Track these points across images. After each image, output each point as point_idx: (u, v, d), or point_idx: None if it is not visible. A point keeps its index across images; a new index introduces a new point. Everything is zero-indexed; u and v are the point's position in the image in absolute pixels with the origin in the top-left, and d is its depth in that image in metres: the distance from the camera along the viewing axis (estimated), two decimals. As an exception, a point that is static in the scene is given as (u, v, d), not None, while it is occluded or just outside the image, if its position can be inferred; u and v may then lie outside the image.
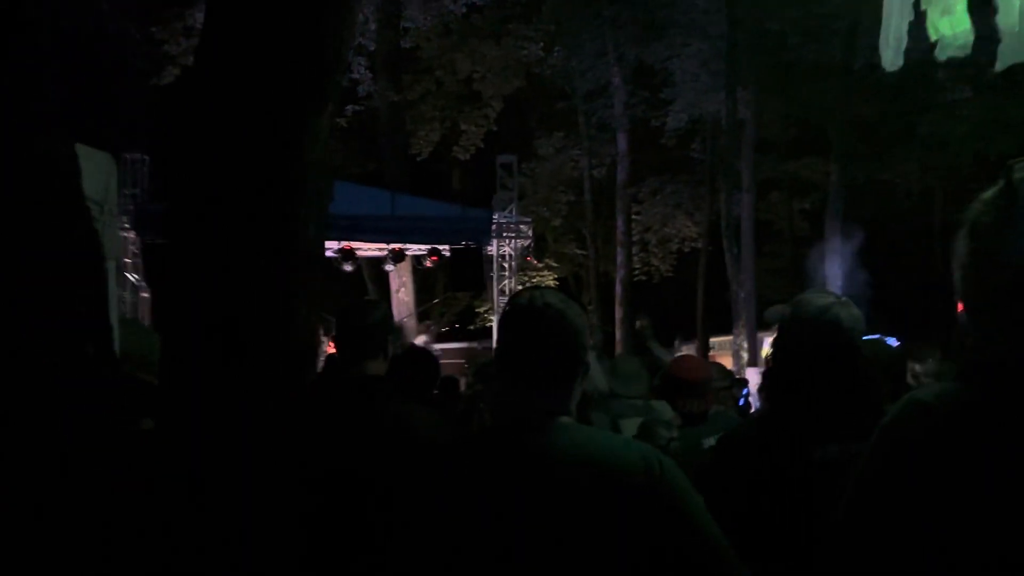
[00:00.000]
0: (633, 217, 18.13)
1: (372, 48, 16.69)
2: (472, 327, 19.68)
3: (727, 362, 12.45)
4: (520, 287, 19.16)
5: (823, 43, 13.75)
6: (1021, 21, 2.88)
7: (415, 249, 12.41)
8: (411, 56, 17.38)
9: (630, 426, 3.36)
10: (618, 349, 16.11)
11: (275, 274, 1.37)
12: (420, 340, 10.74)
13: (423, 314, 15.88)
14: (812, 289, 2.25)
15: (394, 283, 15.30)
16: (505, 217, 11.94)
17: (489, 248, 12.21)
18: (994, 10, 3.09)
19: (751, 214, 15.15)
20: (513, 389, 1.48)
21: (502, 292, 12.68)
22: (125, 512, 1.41)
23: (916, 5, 3.23)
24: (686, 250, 19.80)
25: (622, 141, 16.71)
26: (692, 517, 1.42)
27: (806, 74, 14.35)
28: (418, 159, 17.82)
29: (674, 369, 3.66)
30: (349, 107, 17.76)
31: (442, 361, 4.80)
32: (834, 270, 13.58)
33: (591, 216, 19.05)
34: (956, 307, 1.13)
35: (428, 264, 12.32)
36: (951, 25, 3.12)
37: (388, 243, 11.92)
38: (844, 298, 2.14)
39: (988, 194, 1.07)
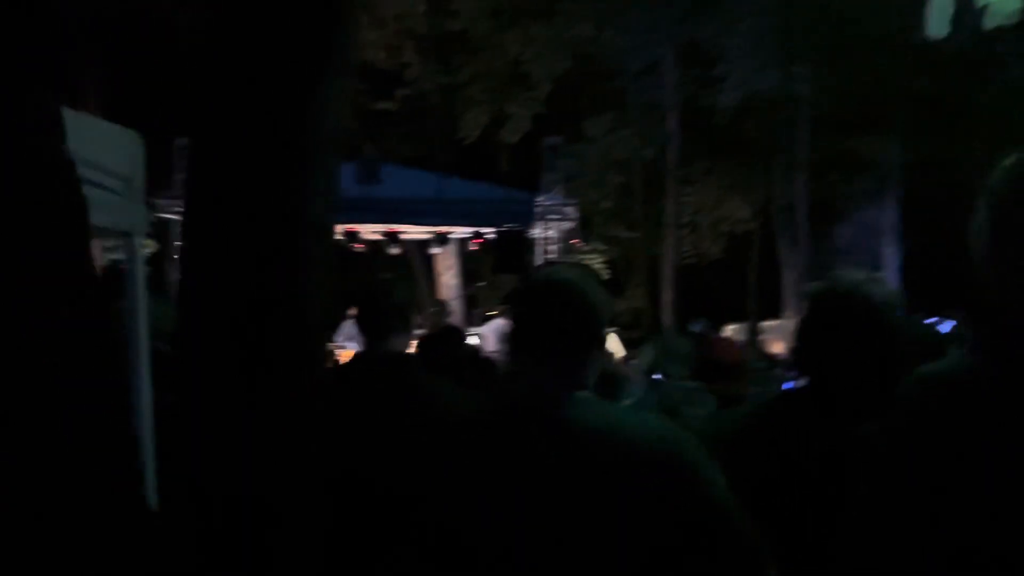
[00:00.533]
0: (683, 199, 17.85)
1: (421, 31, 16.74)
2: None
3: (778, 346, 12.23)
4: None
5: (881, 16, 13.25)
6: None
7: (460, 232, 12.46)
8: (460, 38, 17.36)
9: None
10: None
11: (281, 248, 1.38)
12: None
13: (470, 299, 15.95)
14: (847, 267, 2.19)
15: (440, 266, 15.40)
16: (549, 199, 11.89)
17: (533, 231, 12.19)
18: None
19: (806, 194, 14.77)
20: (529, 364, 1.48)
21: (548, 275, 12.59)
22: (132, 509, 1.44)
23: (964, -28, 3.11)
24: (738, 232, 19.42)
25: (672, 121, 16.44)
26: (711, 495, 1.40)
27: (864, 48, 13.87)
28: (466, 142, 17.83)
29: (708, 351, 3.62)
30: (398, 91, 17.87)
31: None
32: (892, 251, 13.18)
33: (640, 198, 18.83)
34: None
35: (472, 247, 12.36)
36: (1000, -8, 2.99)
37: (432, 226, 11.99)
38: (878, 275, 2.07)
39: (1008, 161, 1.03)
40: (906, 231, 14.01)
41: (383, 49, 16.91)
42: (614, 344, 15.64)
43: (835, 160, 16.57)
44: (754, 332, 17.10)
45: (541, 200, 11.98)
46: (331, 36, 1.39)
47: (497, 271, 17.86)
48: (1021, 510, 0.91)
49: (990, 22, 3.02)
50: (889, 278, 14.15)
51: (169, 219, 9.93)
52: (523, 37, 17.03)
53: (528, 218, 11.75)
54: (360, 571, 1.84)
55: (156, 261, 9.00)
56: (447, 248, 13.56)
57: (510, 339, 1.52)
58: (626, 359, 8.97)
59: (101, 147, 1.66)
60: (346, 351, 7.84)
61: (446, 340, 3.54)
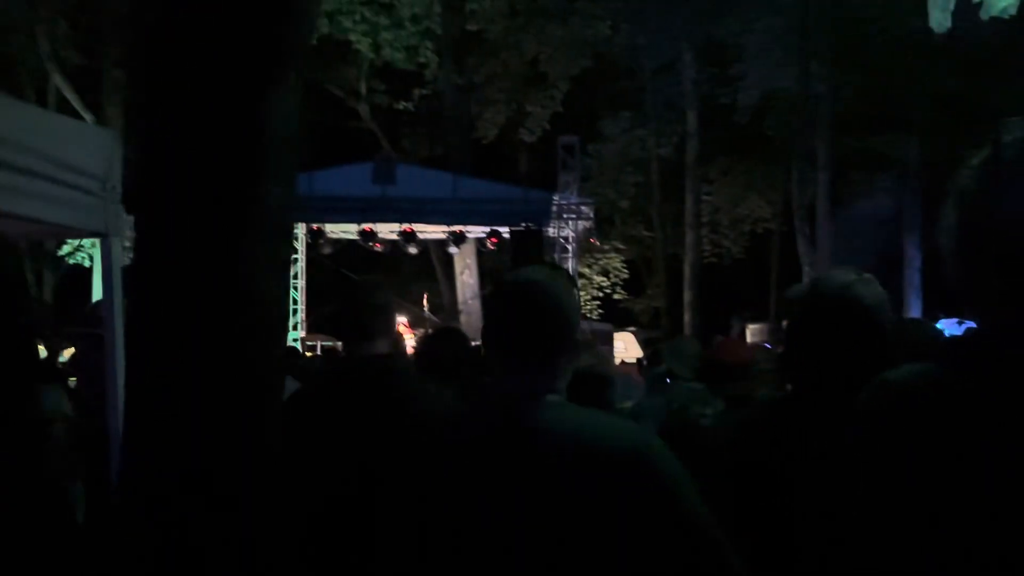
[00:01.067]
0: (703, 198, 17.73)
1: (438, 31, 16.78)
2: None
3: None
4: (585, 269, 19.13)
5: (900, 13, 13.06)
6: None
7: (477, 231, 12.49)
8: (477, 38, 17.38)
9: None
10: (686, 333, 15.85)
11: (236, 248, 1.36)
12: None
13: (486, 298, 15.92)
14: (834, 268, 2.14)
15: (459, 265, 15.43)
16: (565, 198, 11.86)
17: (550, 230, 12.16)
18: None
19: (827, 193, 14.60)
20: (499, 367, 1.45)
21: (564, 274, 12.59)
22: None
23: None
24: (759, 231, 19.26)
25: (691, 119, 16.34)
26: (681, 501, 1.36)
27: (884, 46, 13.68)
28: (483, 142, 17.85)
29: (714, 352, 3.57)
30: (416, 91, 17.94)
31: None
32: (912, 250, 12.99)
33: (659, 197, 18.73)
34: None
35: (489, 246, 12.37)
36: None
37: (449, 225, 12.03)
38: (868, 275, 2.02)
39: (976, 159, 1.00)
40: (927, 230, 13.79)
41: (400, 49, 16.98)
42: (630, 345, 15.59)
43: (855, 158, 16.38)
44: (775, 331, 16.92)
45: (558, 199, 11.96)
46: (282, 33, 1.38)
47: (515, 271, 17.83)
48: (968, 518, 0.88)
49: (985, 13, 2.96)
50: (910, 277, 13.99)
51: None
52: (540, 37, 17.01)
53: (545, 217, 11.74)
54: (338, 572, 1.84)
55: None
56: (464, 247, 13.58)
57: (483, 342, 1.52)
58: (642, 360, 8.92)
59: (75, 147, 1.66)
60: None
61: (446, 340, 3.52)
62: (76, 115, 12.11)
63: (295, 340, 12.85)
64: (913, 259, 12.65)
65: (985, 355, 0.95)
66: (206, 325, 1.38)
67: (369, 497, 1.86)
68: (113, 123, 12.32)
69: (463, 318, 14.30)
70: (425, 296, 13.73)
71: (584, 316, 17.57)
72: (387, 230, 12.22)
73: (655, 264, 19.94)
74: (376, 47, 17.01)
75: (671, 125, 17.58)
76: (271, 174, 1.37)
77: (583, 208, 11.97)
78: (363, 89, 18.74)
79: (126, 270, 1.43)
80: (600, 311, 20.17)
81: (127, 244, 1.92)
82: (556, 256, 12.59)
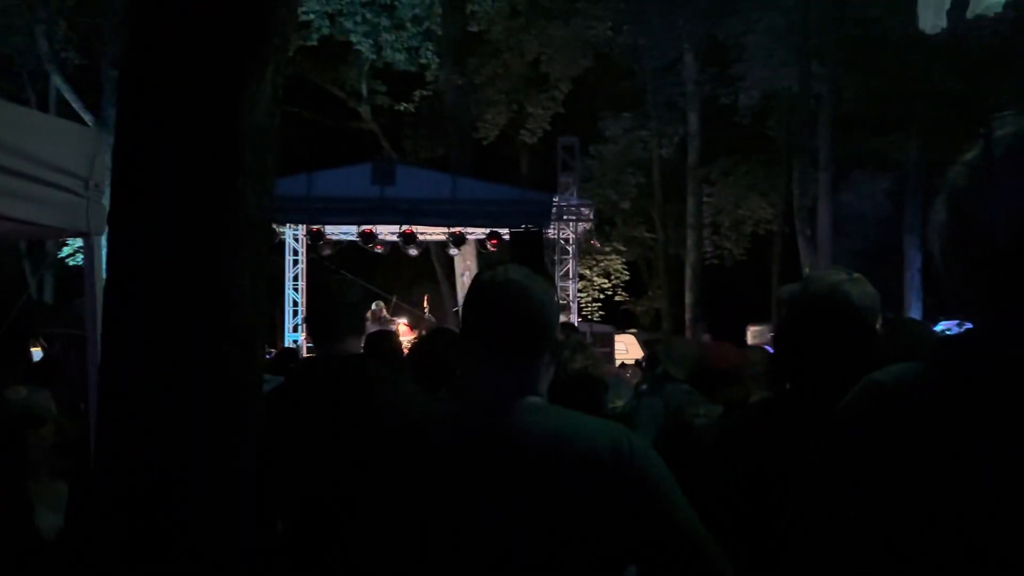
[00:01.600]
0: (705, 199, 17.70)
1: (439, 32, 16.78)
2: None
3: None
4: (586, 270, 19.11)
5: (901, 14, 13.04)
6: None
7: (477, 233, 12.49)
8: (478, 39, 17.38)
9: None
10: (688, 334, 15.83)
11: (211, 245, 1.35)
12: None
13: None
14: (825, 268, 2.12)
15: (459, 267, 15.42)
16: (565, 200, 11.85)
17: (550, 231, 12.15)
18: None
19: (828, 194, 14.57)
20: (478, 369, 1.43)
21: (564, 275, 12.61)
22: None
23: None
24: (761, 232, 19.22)
25: (693, 120, 16.31)
26: (664, 501, 1.34)
27: (885, 46, 13.66)
28: (484, 143, 17.86)
29: (705, 359, 3.55)
30: (417, 92, 17.94)
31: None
32: (913, 251, 12.96)
33: (660, 198, 18.71)
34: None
35: (489, 247, 12.36)
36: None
37: (448, 227, 12.03)
38: (857, 275, 2.00)
39: (967, 156, 0.98)
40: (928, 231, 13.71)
41: (401, 50, 17.00)
42: (632, 347, 15.56)
43: (856, 159, 16.35)
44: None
45: (558, 200, 11.95)
46: (261, 28, 1.36)
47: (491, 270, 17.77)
48: (956, 516, 0.87)
49: (972, 12, 2.95)
50: (910, 279, 13.95)
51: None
52: (541, 38, 17.01)
53: (545, 219, 11.73)
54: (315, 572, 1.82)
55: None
56: (465, 249, 13.57)
57: (461, 344, 1.50)
58: (640, 361, 8.90)
59: (57, 146, 1.65)
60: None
61: (439, 341, 3.51)
62: (76, 117, 12.11)
63: (294, 341, 12.84)
64: (914, 260, 12.62)
65: (974, 355, 0.94)
66: (182, 324, 1.36)
67: (342, 496, 1.84)
68: (112, 124, 12.30)
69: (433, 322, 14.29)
70: (426, 298, 13.72)
71: (585, 318, 17.59)
72: (387, 231, 12.22)
73: (656, 265, 19.91)
74: (377, 48, 17.03)
75: (672, 126, 17.55)
76: (248, 170, 1.36)
77: (583, 210, 11.94)
78: (364, 90, 18.76)
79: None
80: (601, 313, 20.14)
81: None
82: (556, 257, 12.58)
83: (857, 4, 13.40)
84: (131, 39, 1.38)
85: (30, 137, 1.56)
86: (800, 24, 14.05)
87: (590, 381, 2.18)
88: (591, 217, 12.22)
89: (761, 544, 1.79)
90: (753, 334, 15.56)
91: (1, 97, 12.36)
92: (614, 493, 1.31)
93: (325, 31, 16.59)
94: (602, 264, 20.19)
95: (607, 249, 19.28)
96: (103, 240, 1.81)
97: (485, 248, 12.94)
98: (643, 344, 13.52)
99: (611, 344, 14.55)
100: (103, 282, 1.75)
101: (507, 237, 11.81)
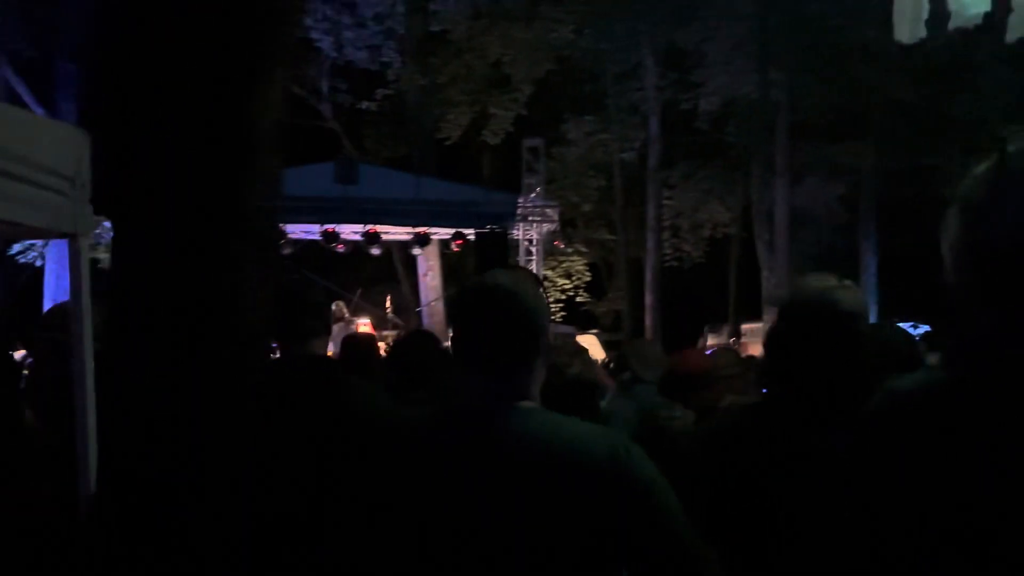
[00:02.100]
0: (664, 202, 17.91)
1: (401, 31, 16.68)
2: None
3: (757, 349, 12.27)
4: (548, 271, 19.18)
5: (859, 23, 13.38)
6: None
7: (441, 233, 12.44)
8: (440, 39, 17.32)
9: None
10: (648, 336, 15.98)
11: (219, 248, 1.32)
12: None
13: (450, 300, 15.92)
14: (814, 273, 2.15)
15: (422, 267, 15.35)
16: (531, 201, 11.88)
17: (515, 232, 12.16)
18: None
19: (785, 199, 14.85)
20: (469, 375, 1.42)
21: (528, 277, 12.61)
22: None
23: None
24: (718, 236, 19.52)
25: (653, 124, 16.49)
26: (658, 506, 1.35)
27: (842, 55, 13.99)
28: (447, 143, 17.80)
29: (673, 365, 3.58)
30: (379, 91, 17.80)
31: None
32: (868, 257, 13.29)
33: (621, 201, 18.87)
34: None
35: (454, 248, 12.33)
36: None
37: (413, 227, 11.96)
38: (847, 281, 2.04)
39: (980, 168, 1.00)
40: (882, 237, 14.12)
41: (364, 49, 16.85)
42: (594, 347, 15.66)
43: (813, 165, 16.70)
44: (734, 335, 17.18)
45: (523, 202, 11.97)
46: (273, 30, 1.33)
47: (479, 272, 17.77)
48: (988, 526, 0.88)
49: (954, 23, 3.04)
50: (866, 283, 14.32)
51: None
52: (504, 39, 17.01)
53: (510, 219, 11.75)
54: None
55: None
56: (428, 249, 13.51)
57: (452, 349, 1.48)
58: (605, 362, 8.95)
59: (44, 145, 1.60)
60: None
61: (419, 344, 3.48)
62: (26, 110, 11.72)
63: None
64: (869, 265, 12.94)
65: (996, 363, 0.95)
66: (188, 327, 1.33)
67: (314, 500, 1.81)
68: (66, 118, 11.98)
69: (426, 320, 14.22)
70: (388, 298, 13.62)
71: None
72: (349, 231, 12.10)
73: (617, 267, 20.08)
74: (338, 45, 16.85)
75: (634, 130, 17.72)
76: (257, 172, 1.33)
77: (548, 211, 11.99)
78: (324, 88, 18.55)
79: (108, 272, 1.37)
80: (563, 313, 20.24)
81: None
82: (521, 259, 12.60)
83: (814, 13, 13.69)
84: (140, 36, 1.34)
85: (14, 134, 1.51)
86: (759, 32, 14.30)
87: (585, 386, 2.20)
88: (556, 218, 12.26)
89: (751, 547, 1.82)
90: (711, 338, 15.79)
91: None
92: (611, 497, 1.31)
93: (285, 27, 16.36)
94: (564, 265, 20.30)
95: (569, 251, 19.39)
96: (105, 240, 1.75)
97: (449, 248, 12.90)
98: (605, 345, 13.60)
99: (573, 345, 14.61)
100: (90, 284, 1.71)
101: (472, 238, 11.79)
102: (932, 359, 3.38)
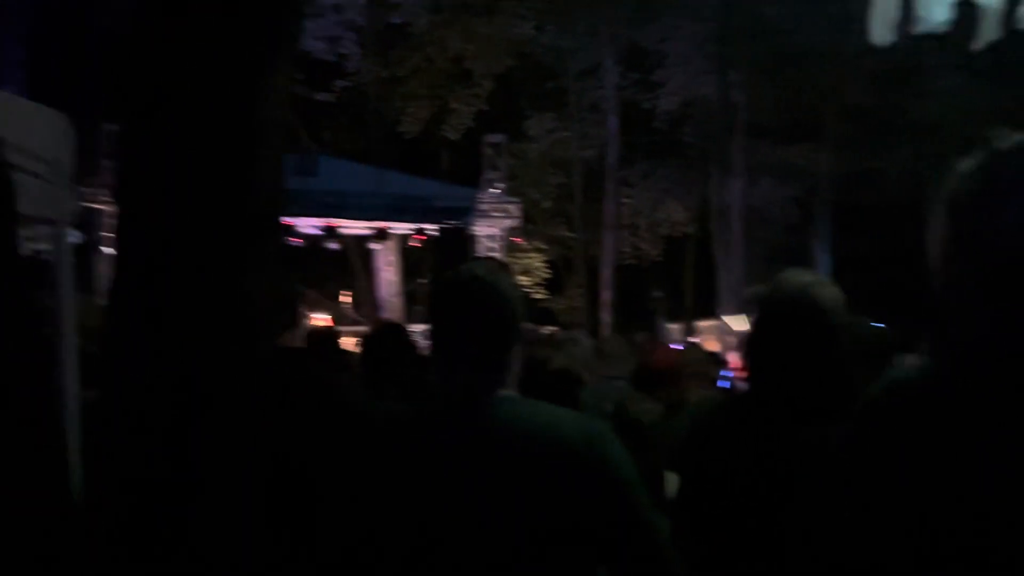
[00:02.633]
0: (623, 200, 18.06)
1: (361, 23, 16.50)
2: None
3: (712, 345, 12.47)
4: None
5: (817, 28, 13.67)
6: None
7: (401, 228, 12.35)
8: (401, 32, 17.17)
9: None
10: (605, 333, 16.11)
11: (225, 236, 1.30)
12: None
13: (411, 296, 15.84)
14: (792, 269, 2.20)
15: (380, 262, 15.22)
16: (492, 197, 11.86)
17: (475, 228, 12.14)
18: None
19: (741, 200, 15.11)
20: (448, 367, 1.44)
21: (488, 273, 12.60)
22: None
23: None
24: (676, 235, 19.77)
25: (613, 123, 16.61)
26: (629, 491, 1.40)
27: (799, 59, 14.28)
28: (406, 137, 17.66)
29: (642, 360, 3.66)
30: (337, 82, 17.58)
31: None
32: (823, 256, 13.61)
33: (580, 199, 18.97)
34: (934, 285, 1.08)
35: (414, 243, 12.25)
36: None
37: (372, 221, 11.85)
38: (824, 278, 2.09)
39: (966, 167, 1.00)
40: (836, 237, 14.47)
41: (322, 39, 16.61)
42: (552, 343, 15.71)
43: (769, 167, 17.03)
44: (689, 332, 17.43)
45: (484, 197, 11.95)
46: (281, 17, 1.32)
47: (439, 268, 17.73)
48: (986, 515, 0.89)
49: (919, 28, 3.13)
50: (819, 282, 14.61)
51: (95, 209, 9.53)
52: (465, 34, 16.95)
53: (471, 215, 11.71)
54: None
55: (80, 253, 8.59)
56: (387, 244, 13.40)
57: (430, 341, 1.49)
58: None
59: (26, 129, 1.54)
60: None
61: (391, 337, 3.46)
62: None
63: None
64: (822, 264, 13.26)
65: (993, 359, 0.96)
66: (194, 319, 1.30)
67: (294, 490, 1.80)
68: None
69: (385, 315, 14.11)
70: (345, 293, 13.48)
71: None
72: (307, 224, 11.94)
73: (575, 264, 20.19)
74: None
75: (594, 128, 17.83)
76: (261, 160, 1.31)
77: (509, 207, 11.99)
78: (282, 79, 18.22)
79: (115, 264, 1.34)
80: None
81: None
82: (481, 255, 12.57)
83: (772, 16, 13.94)
84: (148, 26, 1.31)
85: (-2, 118, 1.46)
86: (718, 33, 14.52)
87: (569, 378, 2.22)
88: (517, 215, 12.27)
89: (732, 541, 1.85)
90: (669, 331, 16.00)
91: None
92: (587, 482, 1.35)
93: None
94: (523, 262, 20.32)
95: (528, 247, 19.43)
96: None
97: (407, 243, 12.82)
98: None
99: (532, 341, 14.65)
100: (71, 273, 1.66)
101: (434, 233, 11.73)
102: (907, 358, 3.47)
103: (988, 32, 3.15)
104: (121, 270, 1.34)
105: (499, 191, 12.23)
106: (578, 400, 2.34)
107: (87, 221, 9.34)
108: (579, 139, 18.13)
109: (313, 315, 11.28)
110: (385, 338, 3.36)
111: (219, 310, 1.33)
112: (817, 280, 2.06)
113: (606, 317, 16.67)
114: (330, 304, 12.82)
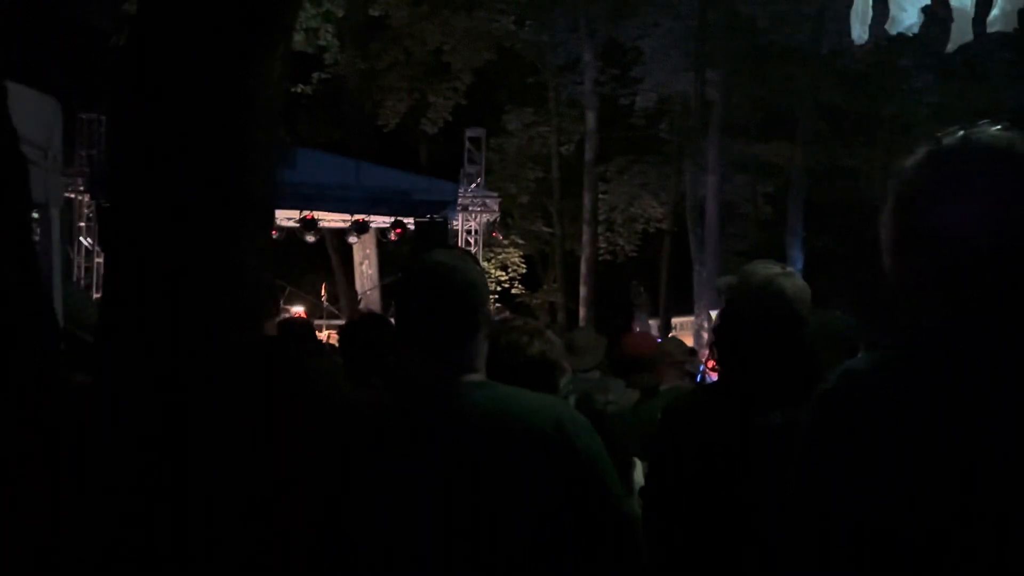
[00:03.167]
0: (600, 196, 18.14)
1: (340, 15, 16.40)
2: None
3: (688, 340, 12.60)
4: (485, 263, 19.22)
5: (792, 27, 13.84)
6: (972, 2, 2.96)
7: (379, 221, 12.31)
8: (380, 24, 17.11)
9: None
10: (582, 326, 16.19)
11: (220, 223, 1.33)
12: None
13: (388, 289, 15.79)
14: (759, 260, 2.26)
15: (358, 255, 15.17)
16: (471, 191, 11.87)
17: (455, 222, 12.14)
18: None
19: (716, 196, 15.24)
20: (415, 352, 1.46)
21: (466, 266, 12.62)
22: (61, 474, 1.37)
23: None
24: (651, 230, 19.90)
25: (591, 119, 16.69)
26: (598, 472, 1.42)
27: (775, 57, 14.45)
28: (385, 130, 17.61)
29: (622, 346, 3.76)
30: (315, 74, 17.47)
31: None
32: (795, 253, 13.80)
33: (558, 194, 19.03)
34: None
35: (392, 237, 12.21)
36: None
37: (351, 213, 11.79)
38: (789, 269, 2.16)
39: (913, 158, 1.03)
40: (808, 233, 14.65)
41: (299, 31, 16.48)
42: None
43: (744, 163, 17.20)
44: (666, 327, 17.58)
45: (463, 192, 11.95)
46: (275, 16, 1.34)
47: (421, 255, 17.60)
48: (940, 500, 0.91)
49: (893, 28, 3.22)
50: (792, 278, 14.82)
51: (71, 198, 9.43)
52: (444, 27, 16.93)
53: (451, 209, 11.69)
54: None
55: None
56: (365, 237, 13.35)
57: (397, 329, 1.51)
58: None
59: (17, 113, 1.57)
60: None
61: (372, 327, 3.48)
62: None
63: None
64: (796, 260, 13.44)
65: (942, 349, 0.98)
66: (188, 305, 1.33)
67: (275, 483, 1.82)
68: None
69: (362, 308, 14.07)
70: (324, 286, 13.43)
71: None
72: (283, 216, 11.86)
73: (553, 260, 20.25)
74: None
75: (573, 123, 17.90)
76: (257, 147, 1.34)
77: (488, 201, 12.01)
78: (259, 70, 18.07)
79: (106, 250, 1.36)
80: (498, 305, 20.29)
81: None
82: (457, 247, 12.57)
83: (748, 15, 14.09)
84: (143, 9, 1.33)
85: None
86: (695, 30, 14.64)
87: (546, 365, 2.26)
88: (496, 209, 12.29)
89: (696, 524, 1.92)
90: (643, 326, 16.11)
91: None
92: (556, 464, 1.37)
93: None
94: (500, 257, 20.35)
95: (505, 242, 19.45)
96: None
97: (387, 237, 12.77)
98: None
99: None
100: (61, 257, 1.68)
101: (412, 227, 11.70)
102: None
103: (959, 35, 3.25)
104: (113, 258, 1.36)
105: (478, 185, 12.24)
106: (556, 386, 2.39)
107: (64, 210, 9.23)
108: (558, 134, 18.18)
109: (289, 308, 11.22)
110: (368, 326, 3.39)
111: (215, 298, 1.36)
112: (783, 271, 2.13)
113: (583, 312, 16.76)
114: (306, 297, 12.75)
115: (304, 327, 4.20)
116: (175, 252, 1.36)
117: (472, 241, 12.65)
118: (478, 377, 1.46)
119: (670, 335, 14.74)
